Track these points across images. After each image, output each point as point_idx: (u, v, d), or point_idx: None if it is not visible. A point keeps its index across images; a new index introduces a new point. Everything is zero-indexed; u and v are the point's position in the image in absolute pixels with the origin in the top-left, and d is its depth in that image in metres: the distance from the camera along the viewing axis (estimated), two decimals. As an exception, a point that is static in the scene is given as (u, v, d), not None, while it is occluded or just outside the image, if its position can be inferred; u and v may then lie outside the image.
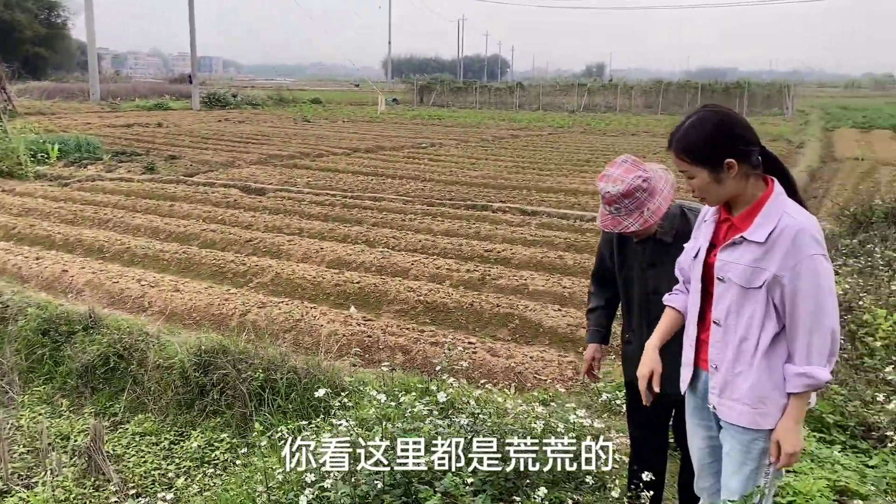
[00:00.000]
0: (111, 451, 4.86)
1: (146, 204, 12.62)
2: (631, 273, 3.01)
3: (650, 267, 2.93)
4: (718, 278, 2.42)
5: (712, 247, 2.48)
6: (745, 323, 2.36)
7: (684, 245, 2.66)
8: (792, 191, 2.40)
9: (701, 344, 2.54)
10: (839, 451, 3.96)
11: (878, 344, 5.17)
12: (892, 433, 4.07)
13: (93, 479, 4.51)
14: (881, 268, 7.08)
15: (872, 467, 3.85)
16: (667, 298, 2.68)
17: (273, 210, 12.19)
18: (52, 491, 4.34)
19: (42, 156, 17.63)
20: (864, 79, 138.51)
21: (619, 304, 3.28)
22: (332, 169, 17.46)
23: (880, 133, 30.15)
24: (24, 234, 10.40)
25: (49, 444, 4.86)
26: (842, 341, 5.24)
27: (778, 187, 2.37)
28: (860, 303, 5.80)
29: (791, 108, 43.09)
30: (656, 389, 2.53)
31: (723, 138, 2.32)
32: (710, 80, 52.32)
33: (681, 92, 47.50)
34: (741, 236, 2.34)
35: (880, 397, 4.45)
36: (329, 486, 2.83)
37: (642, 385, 2.55)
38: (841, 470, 3.74)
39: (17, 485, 4.50)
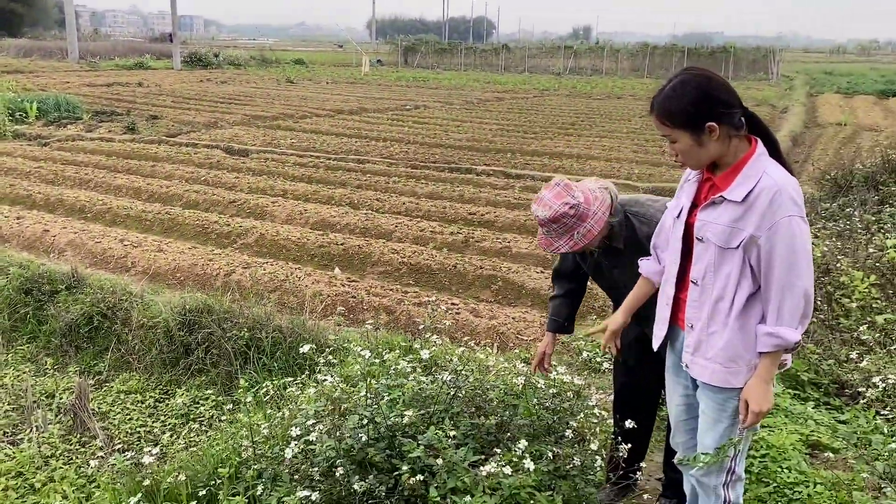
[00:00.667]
0: (96, 409, 4.90)
1: (128, 164, 12.49)
2: (598, 269, 3.13)
3: (612, 269, 3.05)
4: (698, 238, 2.42)
5: (694, 206, 2.48)
6: (722, 283, 2.37)
7: (635, 249, 2.83)
8: (775, 151, 2.39)
9: (680, 303, 2.57)
10: (813, 408, 4.07)
11: (854, 305, 5.27)
12: (864, 390, 4.18)
13: (78, 436, 4.55)
14: (859, 231, 7.18)
15: (844, 422, 3.96)
16: (640, 267, 2.77)
17: (257, 171, 12.10)
18: (38, 447, 4.38)
19: (20, 115, 17.35)
20: (849, 44, 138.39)
21: (582, 297, 3.37)
22: (316, 130, 17.31)
23: (864, 98, 30.20)
24: (4, 193, 10.28)
25: (34, 401, 4.88)
26: (818, 302, 5.34)
27: (760, 148, 2.36)
28: (838, 265, 5.89)
29: (776, 72, 43.07)
30: (602, 342, 2.84)
31: (703, 101, 2.30)
32: (697, 44, 52.04)
33: (667, 55, 47.28)
34: (721, 196, 2.34)
35: (853, 356, 4.56)
36: (314, 439, 2.87)
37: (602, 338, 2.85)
38: (814, 425, 3.85)
39: (3, 441, 4.53)
